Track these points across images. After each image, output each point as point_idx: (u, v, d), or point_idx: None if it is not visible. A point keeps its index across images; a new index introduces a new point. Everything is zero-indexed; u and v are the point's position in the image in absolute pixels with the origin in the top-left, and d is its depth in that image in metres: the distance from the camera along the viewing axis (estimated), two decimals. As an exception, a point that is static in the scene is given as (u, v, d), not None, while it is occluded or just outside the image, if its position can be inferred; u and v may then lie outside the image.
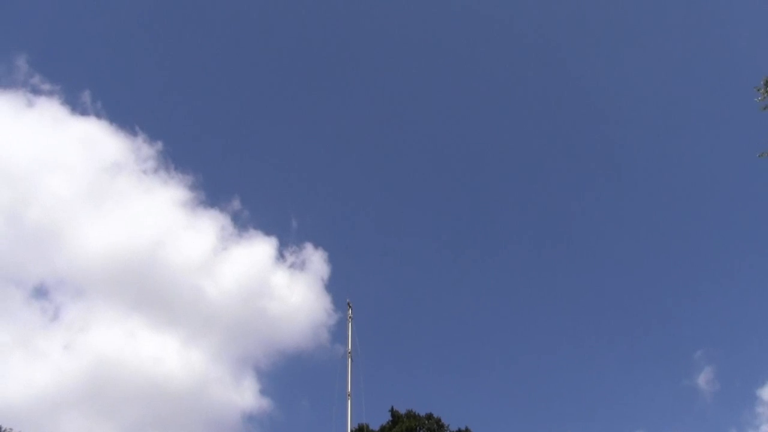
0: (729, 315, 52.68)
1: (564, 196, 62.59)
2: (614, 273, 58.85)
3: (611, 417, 46.64)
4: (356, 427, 24.75)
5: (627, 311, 56.24)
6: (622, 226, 60.76)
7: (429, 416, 28.91)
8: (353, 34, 63.66)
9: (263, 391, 46.17)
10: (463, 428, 28.83)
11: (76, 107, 57.72)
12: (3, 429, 23.72)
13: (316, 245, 53.72)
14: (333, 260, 51.38)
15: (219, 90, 64.50)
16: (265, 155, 63.45)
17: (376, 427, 27.98)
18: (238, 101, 64.66)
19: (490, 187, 63.67)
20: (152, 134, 56.14)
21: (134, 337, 43.68)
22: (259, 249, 52.48)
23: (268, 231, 58.58)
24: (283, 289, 51.37)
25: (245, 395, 45.40)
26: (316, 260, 52.22)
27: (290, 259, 52.45)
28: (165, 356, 43.79)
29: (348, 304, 22.08)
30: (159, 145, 52.93)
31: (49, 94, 54.50)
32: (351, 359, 20.53)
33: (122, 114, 64.23)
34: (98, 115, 54.13)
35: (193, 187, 57.25)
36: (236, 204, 54.84)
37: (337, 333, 36.87)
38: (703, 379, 46.75)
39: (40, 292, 45.57)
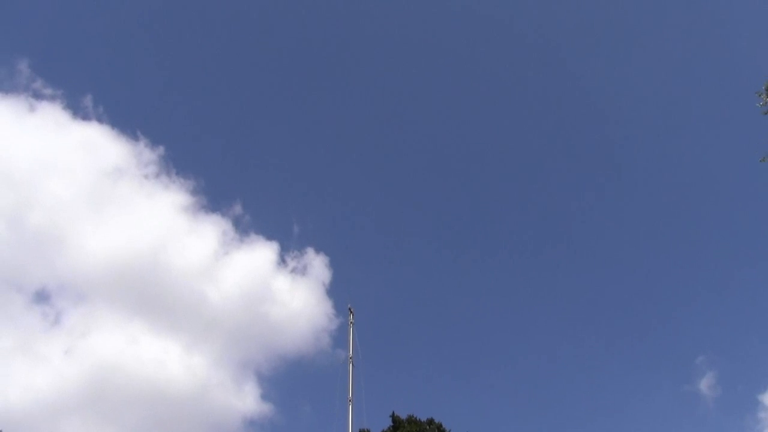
0: (731, 320, 52.52)
1: (564, 197, 62.55)
2: (615, 278, 58.73)
3: (612, 422, 46.42)
4: (357, 432, 24.71)
5: (628, 316, 56.08)
6: (623, 228, 60.68)
7: (430, 421, 28.86)
8: (352, 40, 63.84)
9: (264, 396, 46.06)
10: (464, 433, 28.79)
11: (78, 112, 57.76)
12: (4, 434, 23.65)
13: (318, 250, 53.66)
14: (334, 265, 51.32)
15: (221, 95, 64.65)
16: (267, 160, 63.50)
17: (377, 433, 27.92)
18: (240, 106, 64.80)
19: (490, 189, 63.68)
20: (154, 139, 56.03)
21: (135, 342, 43.62)
22: (261, 254, 52.41)
23: (269, 236, 58.47)
24: (284, 294, 51.31)
25: (246, 400, 45.31)
26: (318, 265, 52.16)
27: (292, 263, 52.40)
28: (166, 361, 43.72)
29: (349, 309, 22.07)
30: (160, 149, 52.89)
31: (51, 98, 54.56)
32: (352, 364, 20.52)
33: (124, 119, 64.22)
34: (100, 120, 54.10)
35: (194, 192, 57.34)
36: (237, 209, 54.86)
37: (339, 338, 36.86)
38: (705, 384, 46.57)
39: (41, 297, 45.52)
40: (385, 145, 64.97)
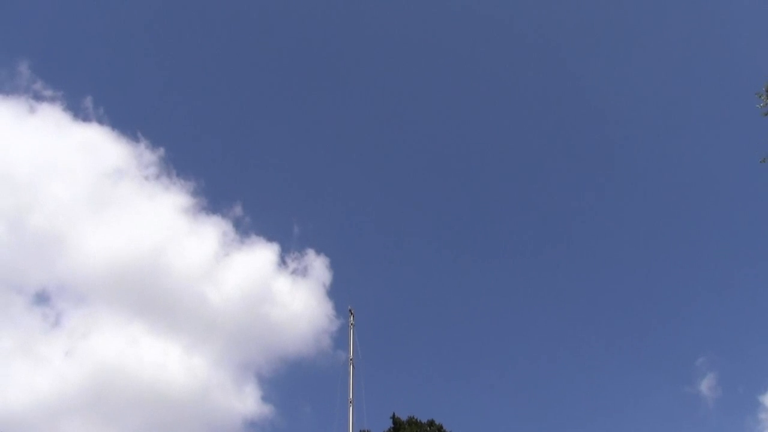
0: (732, 321, 52.48)
1: (564, 197, 62.51)
2: (616, 278, 58.70)
3: (613, 424, 46.38)
4: (358, 433, 24.69)
5: (628, 317, 56.04)
6: (623, 228, 60.64)
7: (431, 423, 28.84)
8: (351, 41, 63.88)
9: (265, 398, 46.05)
10: (465, 435, 28.76)
11: (79, 113, 57.73)
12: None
13: (318, 251, 53.66)
14: (335, 266, 51.31)
15: (221, 97, 64.67)
16: (267, 161, 63.52)
17: (378, 434, 27.91)
18: (240, 108, 64.82)
19: (490, 190, 63.65)
20: (154, 140, 55.94)
21: (136, 344, 43.60)
22: (261, 255, 52.40)
23: (269, 237, 58.39)
24: (284, 296, 51.29)
25: (247, 401, 45.31)
26: (318, 266, 52.15)
27: (292, 265, 52.39)
28: (167, 362, 43.71)
29: (350, 310, 22.13)
30: (161, 151, 52.90)
31: (52, 100, 54.57)
32: (353, 366, 20.55)
33: (124, 120, 64.21)
34: (100, 121, 54.14)
35: (195, 194, 57.28)
36: (238, 210, 54.87)
37: (339, 339, 36.82)
38: (706, 385, 46.53)
39: (42, 298, 45.51)
40: (386, 146, 65.02)
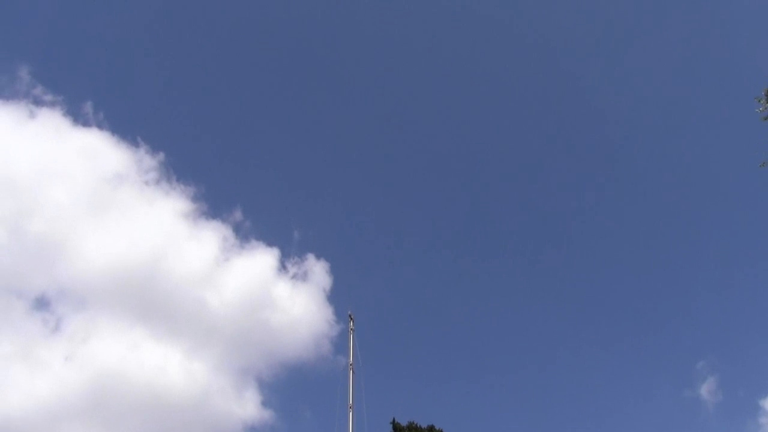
0: (732, 324, 52.27)
1: (564, 197, 62.38)
2: (616, 280, 58.51)
3: (613, 427, 46.25)
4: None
5: (628, 320, 55.90)
6: (623, 230, 60.46)
7: (431, 428, 28.79)
8: (351, 43, 63.97)
9: (265, 403, 45.98)
10: (465, 440, 28.71)
11: (78, 118, 57.66)
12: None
13: (318, 256, 53.59)
14: (335, 271, 51.26)
15: (221, 102, 64.63)
16: (267, 166, 63.50)
17: (378, 439, 27.87)
18: (240, 112, 64.79)
19: (490, 191, 63.48)
20: (154, 145, 55.95)
21: (136, 349, 43.56)
22: (261, 260, 52.35)
23: (269, 242, 58.38)
24: (285, 301, 51.24)
25: (247, 407, 45.24)
26: (318, 271, 52.11)
27: (292, 270, 52.36)
28: (166, 367, 43.65)
29: (350, 315, 22.15)
30: (161, 156, 52.90)
31: (51, 105, 54.52)
32: (353, 371, 20.55)
33: (124, 125, 64.06)
34: (100, 126, 54.07)
35: (194, 198, 57.17)
36: (238, 215, 54.86)
37: (339, 344, 36.73)
38: (706, 389, 46.41)
39: (42, 303, 45.44)
40: (386, 150, 64.92)
